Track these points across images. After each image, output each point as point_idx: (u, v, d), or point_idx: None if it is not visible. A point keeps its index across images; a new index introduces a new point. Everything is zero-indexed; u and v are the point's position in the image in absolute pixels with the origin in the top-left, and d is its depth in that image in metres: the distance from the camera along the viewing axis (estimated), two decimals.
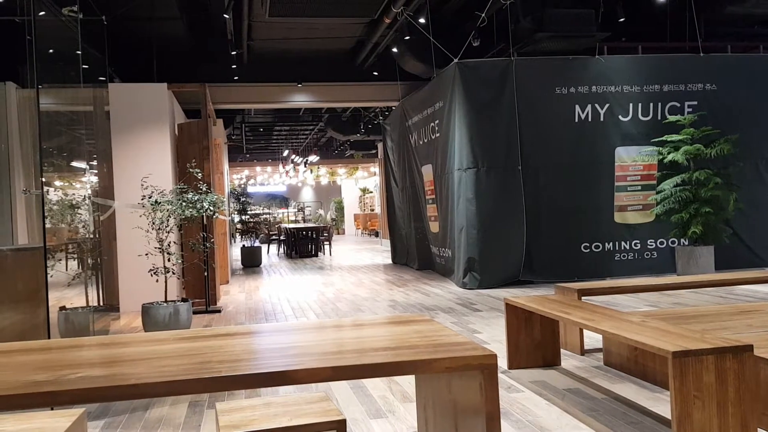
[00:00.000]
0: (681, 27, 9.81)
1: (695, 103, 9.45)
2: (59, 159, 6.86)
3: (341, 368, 1.93)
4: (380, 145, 16.51)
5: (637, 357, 4.24)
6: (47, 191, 5.72)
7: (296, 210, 31.97)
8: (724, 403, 2.81)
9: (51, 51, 5.29)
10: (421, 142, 11.23)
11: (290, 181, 30.87)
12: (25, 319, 4.63)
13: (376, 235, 23.46)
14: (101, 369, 2.03)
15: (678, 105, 9.44)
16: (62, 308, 5.73)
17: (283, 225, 21.56)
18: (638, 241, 9.39)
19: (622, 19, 9.79)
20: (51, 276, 4.47)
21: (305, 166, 25.78)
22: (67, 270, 6.28)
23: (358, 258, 15.74)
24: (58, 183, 7.03)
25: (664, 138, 8.97)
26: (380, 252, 17.09)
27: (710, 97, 9.51)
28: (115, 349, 2.39)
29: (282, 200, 34.14)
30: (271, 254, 18.41)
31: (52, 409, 3.06)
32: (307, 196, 35.53)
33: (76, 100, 6.87)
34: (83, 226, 6.36)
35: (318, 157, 24.56)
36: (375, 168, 24.36)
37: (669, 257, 9.26)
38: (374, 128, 17.19)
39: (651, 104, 9.40)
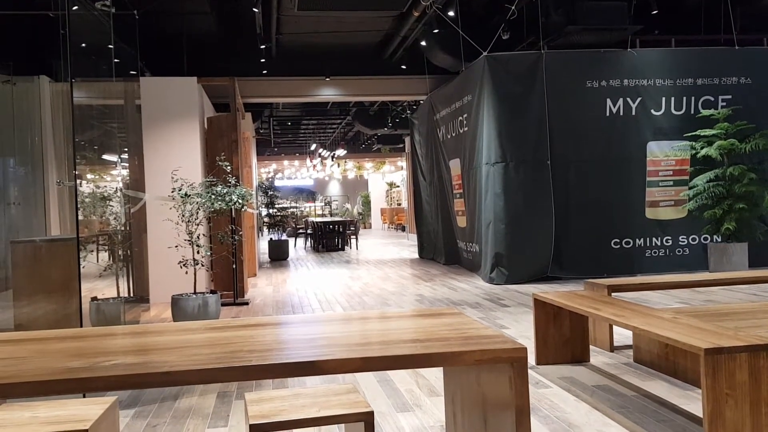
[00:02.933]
0: (716, 20, 9.61)
1: (729, 97, 9.26)
2: (91, 152, 6.97)
3: (371, 359, 1.93)
4: (408, 139, 16.49)
5: (667, 354, 4.18)
6: (80, 183, 5.82)
7: (323, 204, 32.09)
8: (758, 402, 2.76)
9: (84, 45, 5.37)
10: (449, 136, 11.19)
11: (317, 175, 30.97)
12: (58, 308, 4.72)
13: (403, 229, 23.45)
14: (134, 357, 2.05)
15: (712, 99, 9.26)
16: (94, 299, 5.83)
17: (310, 219, 21.66)
18: (670, 238, 9.25)
19: (655, 12, 9.64)
20: (83, 267, 4.55)
21: (332, 160, 25.84)
22: (98, 261, 6.39)
23: (384, 252, 15.75)
24: (90, 175, 7.15)
25: (697, 132, 8.82)
26: (407, 246, 17.09)
27: (745, 90, 9.32)
28: (147, 338, 2.43)
29: (309, 194, 34.31)
30: (298, 248, 18.52)
31: (84, 396, 3.11)
32: (334, 190, 35.64)
33: (108, 94, 6.98)
34: (114, 218, 6.46)
35: (345, 151, 24.60)
36: (402, 162, 24.33)
37: (701, 254, 9.11)
38: (402, 122, 17.16)
39: (684, 98, 9.24)
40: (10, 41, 8.32)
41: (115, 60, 6.06)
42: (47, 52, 8.44)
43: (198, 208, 6.45)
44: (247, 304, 7.98)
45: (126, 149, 7.66)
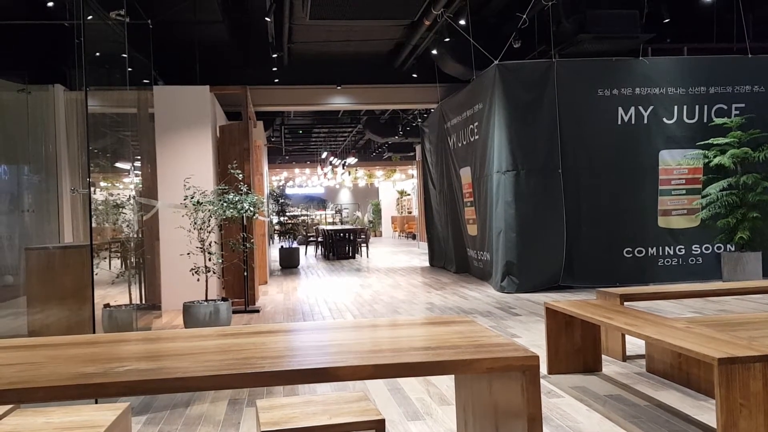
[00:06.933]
0: (728, 28, 9.58)
1: (743, 105, 9.21)
2: (105, 160, 7.03)
3: (383, 366, 1.93)
4: (418, 148, 16.51)
5: (680, 364, 4.15)
6: (93, 191, 5.86)
7: (334, 212, 32.17)
8: None
9: (98, 54, 5.42)
10: (459, 145, 11.19)
11: (328, 183, 31.07)
12: (71, 315, 4.74)
13: (413, 237, 23.43)
14: (147, 363, 2.06)
15: (725, 107, 9.21)
16: (106, 305, 5.86)
17: (321, 227, 21.70)
18: (682, 247, 9.19)
19: (667, 20, 9.61)
20: (96, 274, 4.58)
21: (343, 168, 25.90)
22: (110, 268, 6.43)
23: (395, 260, 15.74)
24: (103, 183, 7.20)
25: (710, 141, 8.78)
26: (417, 254, 17.07)
27: (758, 99, 9.26)
28: (159, 344, 2.44)
29: (320, 202, 34.39)
30: (308, 255, 18.54)
31: (96, 402, 3.13)
32: (345, 198, 35.70)
33: (122, 103, 7.03)
34: (127, 226, 6.50)
35: (356, 159, 24.66)
36: (413, 170, 24.35)
37: (714, 263, 9.03)
38: (412, 130, 17.19)
39: (696, 106, 9.20)
40: (26, 50, 8.42)
41: (129, 69, 6.10)
42: (62, 61, 8.54)
43: (210, 216, 6.48)
44: (258, 311, 8.00)
45: (139, 157, 7.72)
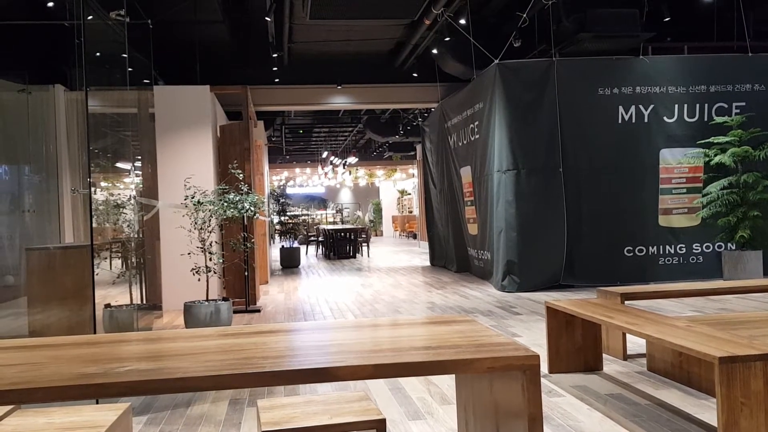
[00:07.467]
0: (729, 26, 9.57)
1: (743, 104, 9.21)
2: (105, 160, 7.03)
3: (383, 366, 1.93)
4: (419, 147, 16.51)
5: (681, 363, 4.15)
6: (94, 191, 5.86)
7: (334, 211, 32.15)
8: None
9: (98, 54, 5.42)
10: (460, 144, 11.19)
11: (329, 182, 31.06)
12: (72, 315, 4.75)
13: (414, 237, 23.43)
14: (148, 363, 2.07)
15: (725, 106, 9.20)
16: (107, 306, 5.86)
17: (322, 226, 21.69)
18: (683, 245, 9.18)
19: (667, 19, 9.61)
20: (97, 274, 4.57)
21: (344, 168, 25.90)
22: (111, 268, 6.43)
23: (395, 260, 15.74)
24: (104, 183, 7.20)
25: (710, 140, 8.77)
26: (418, 254, 17.07)
27: (759, 97, 9.25)
28: (160, 344, 2.44)
29: (320, 201, 34.39)
30: (309, 255, 18.54)
31: (97, 402, 3.13)
32: (346, 197, 35.69)
33: (122, 103, 7.03)
34: (128, 226, 6.50)
35: (356, 159, 24.65)
36: (413, 170, 24.35)
37: (715, 262, 9.03)
38: (413, 130, 17.19)
39: (697, 105, 9.19)
40: (26, 50, 8.42)
41: (129, 69, 6.10)
42: (62, 61, 8.54)
43: (210, 216, 6.48)
44: (258, 311, 8.00)
45: (139, 157, 7.72)
